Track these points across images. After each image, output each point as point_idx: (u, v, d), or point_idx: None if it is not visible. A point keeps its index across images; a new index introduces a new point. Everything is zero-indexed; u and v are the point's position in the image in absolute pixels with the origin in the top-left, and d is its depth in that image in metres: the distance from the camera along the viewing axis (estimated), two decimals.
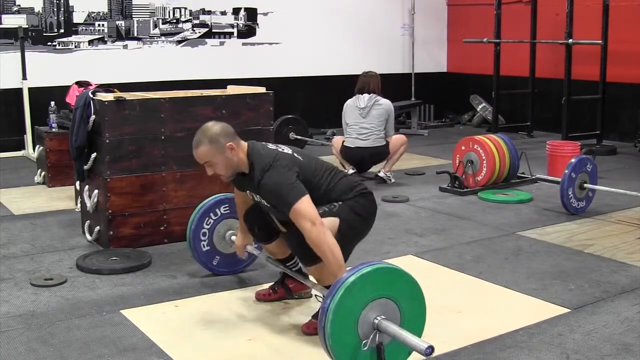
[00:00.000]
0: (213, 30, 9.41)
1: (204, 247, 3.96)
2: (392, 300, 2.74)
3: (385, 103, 6.62)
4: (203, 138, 3.21)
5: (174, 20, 9.15)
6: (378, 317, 2.69)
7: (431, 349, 2.57)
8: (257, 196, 3.33)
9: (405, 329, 2.70)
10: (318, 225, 3.05)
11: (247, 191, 3.43)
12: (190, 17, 9.25)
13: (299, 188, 3.11)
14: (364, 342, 2.67)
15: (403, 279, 2.80)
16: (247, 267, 4.14)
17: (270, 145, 3.34)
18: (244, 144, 3.28)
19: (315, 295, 3.33)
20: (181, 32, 9.20)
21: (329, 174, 3.35)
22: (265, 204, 3.31)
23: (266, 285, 3.81)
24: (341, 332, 2.63)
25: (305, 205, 3.07)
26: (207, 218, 3.94)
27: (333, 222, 3.20)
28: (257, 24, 9.67)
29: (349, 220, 3.27)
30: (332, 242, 3.06)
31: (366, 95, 6.61)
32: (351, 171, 6.58)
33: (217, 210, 3.96)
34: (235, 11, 9.56)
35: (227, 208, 3.97)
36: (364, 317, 2.67)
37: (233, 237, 3.91)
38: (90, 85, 6.03)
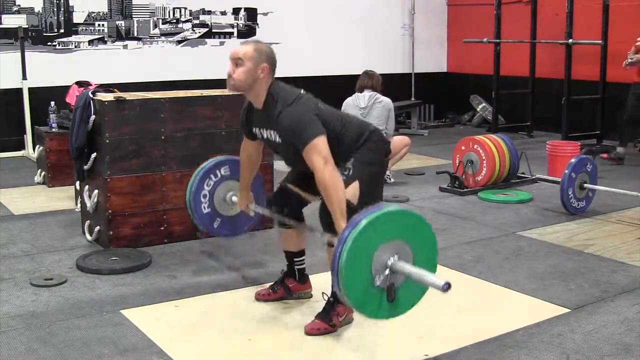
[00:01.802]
0: (213, 30, 9.41)
1: (204, 209, 3.87)
2: (406, 243, 2.74)
3: (385, 100, 6.59)
4: (253, 43, 3.29)
5: (174, 20, 9.15)
6: (392, 258, 2.69)
7: (448, 285, 2.57)
8: (271, 132, 3.28)
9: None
10: (329, 165, 3.06)
11: (256, 128, 3.39)
12: (190, 17, 9.25)
13: (317, 127, 3.12)
14: (376, 277, 2.67)
15: (417, 222, 2.82)
16: (250, 229, 4.06)
17: (294, 87, 3.36)
18: (271, 81, 3.29)
19: (323, 293, 3.34)
20: (181, 32, 9.20)
21: (341, 120, 3.35)
22: (277, 140, 3.26)
23: (266, 285, 3.81)
24: (355, 270, 2.63)
25: (321, 143, 3.08)
26: (207, 180, 3.85)
27: (354, 187, 3.20)
28: (257, 24, 9.67)
29: (366, 175, 3.28)
30: (340, 186, 3.07)
31: (366, 94, 6.58)
32: None
33: (217, 171, 3.88)
34: (235, 11, 9.56)
35: (227, 170, 3.88)
36: (378, 257, 2.67)
37: (234, 198, 3.85)
38: (90, 85, 6.03)
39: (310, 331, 3.26)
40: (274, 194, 3.60)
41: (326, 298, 3.31)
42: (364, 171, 3.28)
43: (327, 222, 3.19)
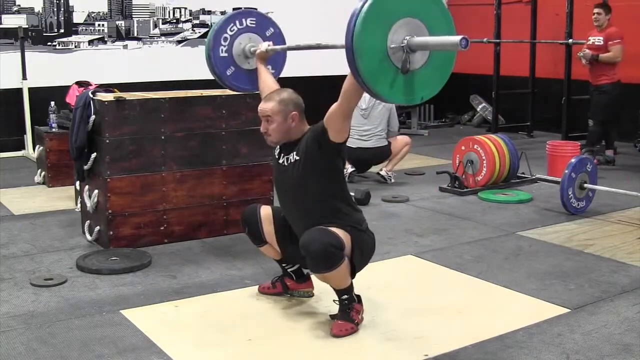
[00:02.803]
0: None
1: (221, 52, 3.86)
2: (422, 22, 2.74)
3: None
4: (276, 96, 3.37)
5: (174, 20, 9.16)
6: (407, 37, 2.70)
7: (466, 40, 2.56)
8: (293, 154, 3.31)
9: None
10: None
11: (282, 156, 3.39)
12: (190, 17, 9.25)
13: None
14: (391, 48, 2.67)
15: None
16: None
17: None
18: (304, 123, 3.38)
19: (334, 300, 3.34)
20: (181, 32, 9.20)
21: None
22: (295, 158, 3.29)
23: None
24: (369, 39, 2.64)
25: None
26: (232, 24, 3.85)
27: (345, 235, 3.19)
28: None
29: (359, 244, 3.28)
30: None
31: (367, 95, 6.60)
32: (350, 170, 6.59)
33: (243, 20, 3.88)
34: None
35: (254, 22, 3.90)
36: (393, 34, 2.68)
37: (253, 49, 3.86)
38: (90, 85, 6.03)
39: (339, 333, 3.24)
40: (246, 210, 3.62)
41: (337, 303, 3.31)
42: (358, 239, 3.27)
43: (316, 264, 3.18)
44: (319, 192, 3.26)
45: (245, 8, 3.95)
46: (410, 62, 2.72)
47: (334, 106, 3.14)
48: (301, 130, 3.35)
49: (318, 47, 3.57)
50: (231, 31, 3.87)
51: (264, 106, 3.36)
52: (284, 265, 3.69)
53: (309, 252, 3.14)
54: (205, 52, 3.88)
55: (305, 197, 3.30)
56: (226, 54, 3.89)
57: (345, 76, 3.32)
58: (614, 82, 7.50)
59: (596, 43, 7.49)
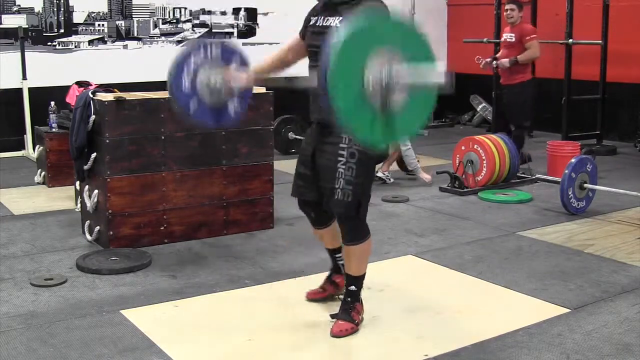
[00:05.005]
0: (213, 30, 9.41)
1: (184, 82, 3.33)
2: (395, 49, 2.63)
3: None
4: None
5: (174, 20, 9.15)
6: (385, 67, 2.58)
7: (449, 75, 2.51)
8: (335, 19, 3.24)
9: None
10: None
11: (319, 17, 3.37)
12: (190, 17, 9.25)
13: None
14: (368, 86, 2.56)
15: (409, 31, 2.75)
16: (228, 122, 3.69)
17: None
18: None
19: (337, 296, 3.34)
20: (181, 32, 9.20)
21: None
22: (337, 24, 3.19)
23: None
24: (345, 76, 2.53)
25: None
26: (206, 49, 3.34)
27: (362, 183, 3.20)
28: (257, 24, 9.67)
29: (371, 173, 3.33)
30: None
31: None
32: None
33: (220, 51, 3.38)
34: (235, 11, 9.56)
35: (229, 56, 3.43)
36: (369, 69, 2.56)
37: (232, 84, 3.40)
38: (90, 85, 6.03)
39: (339, 333, 3.23)
40: (299, 205, 3.54)
41: (341, 298, 3.31)
42: (369, 170, 3.27)
43: (347, 229, 3.23)
44: None
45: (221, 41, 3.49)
46: (389, 102, 2.59)
47: None
48: None
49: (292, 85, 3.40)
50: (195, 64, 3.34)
51: None
52: (336, 255, 3.59)
53: (339, 215, 3.23)
54: (171, 73, 3.33)
55: None
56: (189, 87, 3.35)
57: None
58: (526, 81, 7.23)
59: (508, 40, 7.27)
